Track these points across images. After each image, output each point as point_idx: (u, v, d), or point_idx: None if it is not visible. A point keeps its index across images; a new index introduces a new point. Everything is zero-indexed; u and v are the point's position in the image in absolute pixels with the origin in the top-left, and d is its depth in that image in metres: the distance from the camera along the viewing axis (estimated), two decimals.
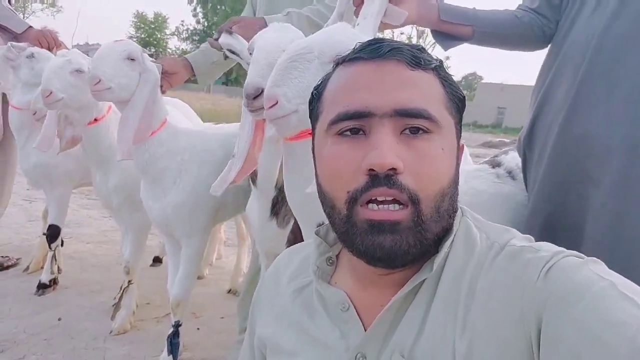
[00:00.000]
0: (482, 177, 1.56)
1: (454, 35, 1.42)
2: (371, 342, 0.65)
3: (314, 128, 0.73)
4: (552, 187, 1.28)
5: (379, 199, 0.60)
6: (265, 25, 1.80)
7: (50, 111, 2.24)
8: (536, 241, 0.64)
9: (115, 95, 1.83)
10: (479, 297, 0.60)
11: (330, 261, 0.76)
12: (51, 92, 2.05)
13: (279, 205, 1.72)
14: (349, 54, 0.69)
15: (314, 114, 0.73)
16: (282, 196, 1.71)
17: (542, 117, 1.35)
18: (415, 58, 0.65)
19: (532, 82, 1.52)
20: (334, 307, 0.71)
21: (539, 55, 1.57)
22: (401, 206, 0.60)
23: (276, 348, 0.76)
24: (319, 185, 0.69)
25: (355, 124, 0.63)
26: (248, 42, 1.77)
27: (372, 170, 0.59)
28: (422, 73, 0.65)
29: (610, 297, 0.51)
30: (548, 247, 0.61)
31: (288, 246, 1.55)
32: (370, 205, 0.61)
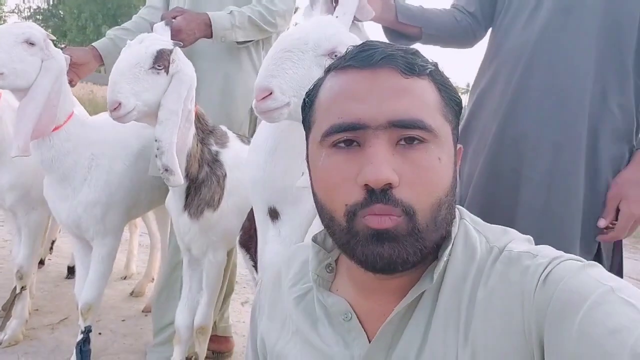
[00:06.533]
0: None
1: (404, 34, 1.50)
2: (376, 354, 0.65)
3: (307, 136, 0.71)
4: (487, 181, 1.40)
5: (377, 212, 0.59)
6: (209, 22, 1.79)
7: None
8: None
9: (8, 82, 1.64)
10: (479, 306, 0.60)
11: (330, 268, 0.74)
12: None
13: (190, 197, 1.70)
14: (340, 60, 0.66)
15: (306, 122, 0.71)
16: (195, 187, 1.69)
17: (477, 117, 1.47)
18: (409, 65, 0.62)
19: None
20: (336, 316, 0.69)
21: None
22: (396, 217, 0.60)
23: (281, 357, 0.75)
24: (315, 195, 0.68)
25: (349, 135, 0.62)
26: (189, 32, 1.75)
27: (368, 185, 0.59)
28: (417, 80, 0.63)
29: (610, 303, 0.51)
30: (547, 252, 0.61)
31: (242, 233, 1.54)
32: (368, 217, 0.60)
